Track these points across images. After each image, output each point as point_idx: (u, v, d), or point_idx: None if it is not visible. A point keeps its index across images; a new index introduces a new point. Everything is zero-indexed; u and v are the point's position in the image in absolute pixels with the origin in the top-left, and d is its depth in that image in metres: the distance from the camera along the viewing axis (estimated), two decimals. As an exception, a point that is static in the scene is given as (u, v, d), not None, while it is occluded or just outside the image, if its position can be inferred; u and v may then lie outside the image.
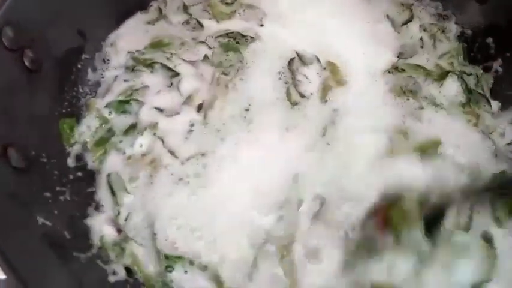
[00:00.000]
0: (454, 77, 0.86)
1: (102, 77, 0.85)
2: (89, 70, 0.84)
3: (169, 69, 0.83)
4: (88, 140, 0.79)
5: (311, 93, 0.84)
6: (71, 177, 0.76)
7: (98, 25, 0.83)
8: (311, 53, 0.87)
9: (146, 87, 0.83)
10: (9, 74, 0.70)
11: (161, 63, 0.84)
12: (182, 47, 0.87)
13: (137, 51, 0.86)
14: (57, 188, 0.73)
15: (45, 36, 0.75)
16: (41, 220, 0.67)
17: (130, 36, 0.87)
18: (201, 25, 0.90)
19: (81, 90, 0.82)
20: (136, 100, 0.81)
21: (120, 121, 0.81)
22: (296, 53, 0.87)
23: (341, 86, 0.85)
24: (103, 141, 0.79)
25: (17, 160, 0.67)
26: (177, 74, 0.83)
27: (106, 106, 0.81)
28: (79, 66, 0.82)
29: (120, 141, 0.79)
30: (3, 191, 0.64)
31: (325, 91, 0.84)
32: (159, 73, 0.84)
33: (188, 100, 0.82)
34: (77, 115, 0.80)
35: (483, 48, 0.90)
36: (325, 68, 0.86)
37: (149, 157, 0.78)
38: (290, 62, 0.86)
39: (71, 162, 0.77)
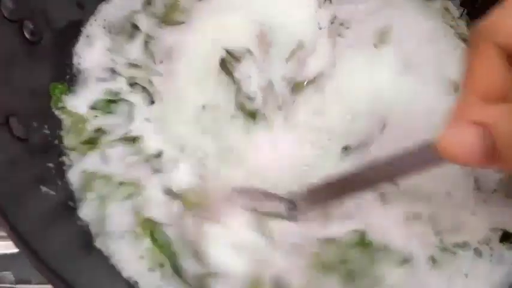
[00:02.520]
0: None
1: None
2: (88, 44, 0.84)
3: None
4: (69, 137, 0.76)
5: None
6: (73, 148, 0.76)
7: (95, -2, 0.83)
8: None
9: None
10: (9, 44, 0.70)
11: (142, 86, 0.79)
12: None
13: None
14: (60, 159, 0.73)
15: (44, 7, 0.75)
16: (44, 189, 0.67)
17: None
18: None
19: (81, 63, 0.82)
20: (126, 101, 0.78)
21: (107, 122, 0.77)
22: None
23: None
24: (92, 141, 0.76)
25: (19, 130, 0.68)
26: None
27: (92, 108, 0.77)
28: (79, 39, 0.82)
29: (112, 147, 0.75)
30: (7, 159, 0.64)
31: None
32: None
33: None
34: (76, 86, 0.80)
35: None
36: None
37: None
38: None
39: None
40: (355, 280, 0.66)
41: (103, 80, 0.79)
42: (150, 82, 0.79)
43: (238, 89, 0.78)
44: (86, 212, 0.71)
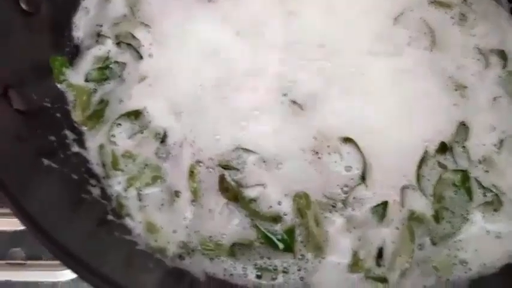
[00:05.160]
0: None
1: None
2: (86, 18, 0.82)
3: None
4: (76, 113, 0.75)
5: None
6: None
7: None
8: None
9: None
10: (4, 15, 0.68)
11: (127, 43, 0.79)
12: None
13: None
14: (62, 132, 0.72)
15: (40, -23, 0.73)
16: (46, 162, 0.66)
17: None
18: None
19: (80, 36, 0.80)
20: (117, 62, 0.78)
21: (106, 89, 0.77)
22: None
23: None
24: (97, 114, 0.75)
25: (19, 102, 0.66)
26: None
27: (86, 80, 0.76)
28: (78, 12, 0.80)
29: (119, 125, 0.74)
30: (6, 132, 0.63)
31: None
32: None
33: None
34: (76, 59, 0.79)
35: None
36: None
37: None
38: None
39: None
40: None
41: (91, 47, 0.79)
42: (134, 37, 0.79)
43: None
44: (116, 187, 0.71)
